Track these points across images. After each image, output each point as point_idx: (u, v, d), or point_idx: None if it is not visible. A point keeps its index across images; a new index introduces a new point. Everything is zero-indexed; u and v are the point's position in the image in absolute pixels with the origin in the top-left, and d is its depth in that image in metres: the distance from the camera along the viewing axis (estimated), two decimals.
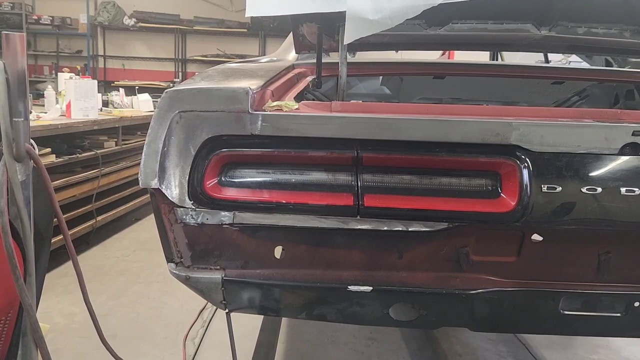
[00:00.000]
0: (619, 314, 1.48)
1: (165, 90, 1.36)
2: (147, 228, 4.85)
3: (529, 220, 1.33)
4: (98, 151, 4.13)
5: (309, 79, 1.87)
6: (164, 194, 1.35)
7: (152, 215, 1.46)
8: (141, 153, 1.35)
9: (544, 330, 1.56)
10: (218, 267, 1.45)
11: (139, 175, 1.33)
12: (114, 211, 4.49)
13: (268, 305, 1.51)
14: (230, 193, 1.37)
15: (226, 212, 1.38)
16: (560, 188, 1.31)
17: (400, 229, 1.35)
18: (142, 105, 5.38)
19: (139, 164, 1.36)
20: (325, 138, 1.33)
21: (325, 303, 1.48)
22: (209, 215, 1.38)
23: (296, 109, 1.37)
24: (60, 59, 10.73)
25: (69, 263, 3.88)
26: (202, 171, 1.35)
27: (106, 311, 3.06)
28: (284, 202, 1.35)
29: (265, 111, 1.33)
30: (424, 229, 1.36)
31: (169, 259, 1.48)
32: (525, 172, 1.32)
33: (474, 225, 1.37)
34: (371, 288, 1.41)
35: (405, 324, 1.49)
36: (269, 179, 1.37)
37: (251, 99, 1.31)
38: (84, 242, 4.15)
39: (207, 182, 1.36)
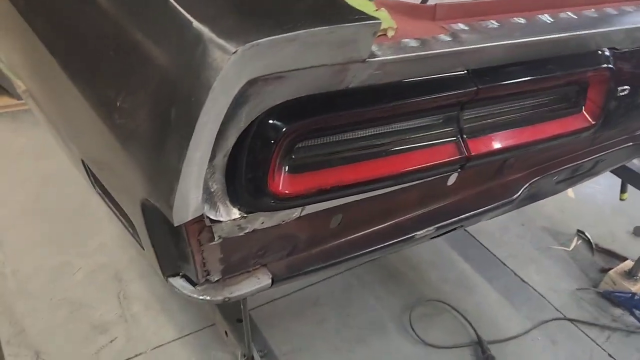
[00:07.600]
0: None
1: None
2: None
3: None
4: None
5: None
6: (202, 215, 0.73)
7: None
8: None
9: None
10: (257, 265, 0.95)
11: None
12: None
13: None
14: (304, 185, 0.81)
15: (295, 208, 0.84)
16: None
17: None
18: None
19: None
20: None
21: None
22: (268, 218, 0.83)
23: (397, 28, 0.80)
24: None
25: None
26: (266, 161, 0.74)
27: None
28: (382, 175, 0.88)
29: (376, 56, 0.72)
30: None
31: (175, 275, 0.90)
32: None
33: None
34: None
35: None
36: (363, 147, 0.85)
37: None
38: None
39: (274, 177, 0.77)
